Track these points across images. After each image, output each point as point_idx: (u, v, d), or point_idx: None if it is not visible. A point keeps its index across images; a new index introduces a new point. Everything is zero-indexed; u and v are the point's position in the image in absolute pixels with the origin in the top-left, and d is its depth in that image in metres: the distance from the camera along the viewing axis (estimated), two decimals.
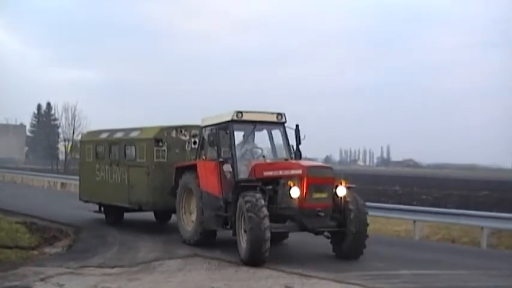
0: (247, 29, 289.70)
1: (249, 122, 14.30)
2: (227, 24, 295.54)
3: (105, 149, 19.07)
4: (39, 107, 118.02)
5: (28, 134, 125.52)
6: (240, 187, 12.92)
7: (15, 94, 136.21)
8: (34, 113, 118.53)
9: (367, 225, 13.07)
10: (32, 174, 49.86)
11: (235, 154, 13.84)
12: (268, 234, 11.89)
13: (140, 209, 17.49)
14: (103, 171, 18.93)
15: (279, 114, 14.45)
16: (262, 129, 14.89)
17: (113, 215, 19.39)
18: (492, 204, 28.58)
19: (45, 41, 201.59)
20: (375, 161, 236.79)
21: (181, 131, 16.82)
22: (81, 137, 20.52)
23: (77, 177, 41.27)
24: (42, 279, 10.61)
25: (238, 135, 14.59)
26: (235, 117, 13.96)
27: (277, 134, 14.92)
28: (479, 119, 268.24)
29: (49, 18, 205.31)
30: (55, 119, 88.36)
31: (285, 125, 14.65)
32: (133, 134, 17.92)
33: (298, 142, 14.32)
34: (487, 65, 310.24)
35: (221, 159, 14.12)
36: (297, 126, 14.31)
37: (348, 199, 12.98)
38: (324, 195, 12.60)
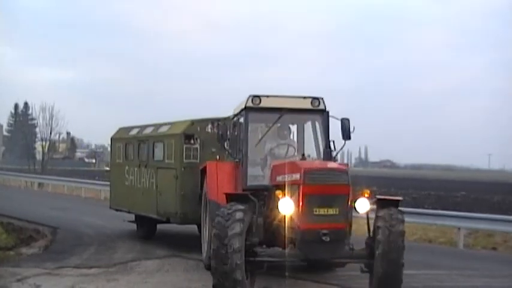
0: (225, 30, 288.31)
1: (271, 110, 10.99)
2: (205, 25, 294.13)
3: (134, 148, 16.24)
4: (16, 106, 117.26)
5: (5, 133, 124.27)
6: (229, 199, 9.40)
7: None
8: (11, 113, 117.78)
9: (402, 265, 9.23)
10: (9, 174, 49.50)
11: (247, 152, 10.81)
12: (238, 275, 8.57)
13: (168, 221, 14.54)
14: (132, 174, 16.20)
15: (315, 99, 10.99)
16: (292, 121, 11.77)
17: (144, 227, 16.32)
18: (469, 205, 28.88)
19: (21, 40, 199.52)
20: (353, 161, 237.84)
21: (219, 125, 11.53)
22: (113, 135, 17.92)
23: (55, 178, 41.70)
24: (18, 280, 10.51)
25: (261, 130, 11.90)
26: (250, 104, 10.83)
27: (310, 128, 11.70)
28: (456, 121, 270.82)
29: (25, 16, 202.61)
30: (32, 119, 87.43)
31: (327, 113, 11.13)
32: (162, 129, 15.09)
33: (347, 137, 10.77)
34: (465, 67, 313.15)
35: (237, 160, 11.12)
36: (347, 119, 10.83)
37: (379, 223, 9.14)
38: (332, 211, 9.01)
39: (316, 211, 8.98)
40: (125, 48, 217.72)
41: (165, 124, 15.16)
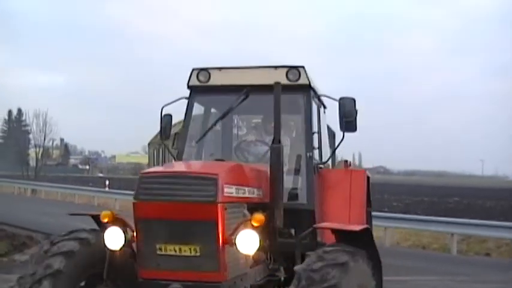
0: (213, 33, 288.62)
1: (229, 89, 7.37)
2: (196, 29, 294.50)
3: None
4: (9, 113, 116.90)
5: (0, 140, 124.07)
6: None
7: None
8: (4, 119, 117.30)
9: None
10: (2, 180, 49.32)
11: (182, 150, 7.63)
12: None
13: None
14: None
15: (292, 68, 7.21)
16: (260, 104, 7.48)
17: None
18: (462, 211, 28.94)
19: (14, 45, 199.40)
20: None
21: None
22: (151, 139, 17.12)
23: (48, 184, 41.58)
24: (11, 287, 10.48)
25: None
26: (195, 81, 7.55)
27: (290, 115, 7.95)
28: (449, 126, 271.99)
29: (18, 21, 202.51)
30: (26, 125, 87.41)
31: (313, 90, 7.48)
32: None
33: (350, 127, 6.90)
34: (457, 72, 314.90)
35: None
36: (350, 100, 6.90)
37: (297, 267, 5.40)
38: (188, 249, 5.23)
39: (160, 249, 5.27)
40: (118, 53, 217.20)
41: None
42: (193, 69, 7.59)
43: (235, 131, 8.52)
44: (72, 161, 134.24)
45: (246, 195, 5.92)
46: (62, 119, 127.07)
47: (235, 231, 5.28)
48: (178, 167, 6.05)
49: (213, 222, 5.18)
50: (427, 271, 13.29)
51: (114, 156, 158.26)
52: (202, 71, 7.51)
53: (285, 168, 6.80)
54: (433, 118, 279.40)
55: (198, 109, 7.86)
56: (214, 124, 7.64)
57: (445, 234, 18.00)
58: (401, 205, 33.74)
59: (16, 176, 56.90)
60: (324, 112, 8.25)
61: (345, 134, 6.91)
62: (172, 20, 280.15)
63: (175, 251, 5.24)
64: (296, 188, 7.12)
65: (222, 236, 5.20)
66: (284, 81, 6.84)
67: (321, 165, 7.51)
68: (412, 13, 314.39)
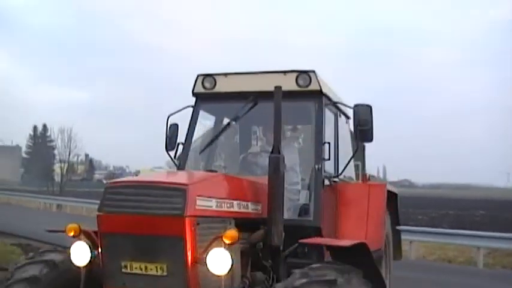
0: (235, 49, 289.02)
1: (235, 96, 6.97)
2: (213, 42, 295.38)
3: None
4: (35, 128, 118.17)
5: (24, 155, 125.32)
6: None
7: (9, 115, 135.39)
8: (30, 135, 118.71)
9: None
10: (28, 195, 49.74)
11: (185, 160, 7.24)
12: None
13: None
14: None
15: (302, 73, 6.75)
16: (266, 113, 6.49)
17: None
18: (487, 224, 28.60)
19: (36, 61, 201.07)
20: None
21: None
22: None
23: (73, 199, 41.80)
24: None
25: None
26: (200, 88, 7.23)
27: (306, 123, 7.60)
28: (474, 139, 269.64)
29: (37, 37, 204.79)
30: (51, 141, 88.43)
31: (326, 97, 6.98)
32: None
33: (365, 137, 6.51)
34: (482, 84, 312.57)
35: None
36: (366, 107, 6.47)
37: None
38: (154, 268, 4.78)
39: (126, 267, 4.83)
40: (142, 67, 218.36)
41: None
42: (198, 75, 7.25)
43: (244, 141, 8.05)
44: (96, 176, 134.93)
45: (234, 209, 5.43)
46: (86, 134, 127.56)
47: (207, 249, 4.69)
48: (148, 177, 5.50)
49: (180, 238, 4.65)
50: (453, 285, 13.14)
51: (138, 171, 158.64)
52: (208, 77, 7.17)
53: (293, 181, 6.70)
54: (458, 130, 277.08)
55: (204, 118, 7.54)
56: (219, 134, 7.27)
57: (471, 248, 17.83)
58: (427, 218, 33.45)
59: (41, 191, 57.50)
60: (347, 122, 7.91)
61: (361, 143, 6.69)
62: (198, 35, 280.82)
63: (141, 270, 4.78)
64: (304, 203, 6.72)
65: (192, 254, 4.67)
66: (294, 87, 6.68)
67: (336, 179, 6.97)
68: (435, 25, 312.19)
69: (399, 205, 8.66)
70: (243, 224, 5.46)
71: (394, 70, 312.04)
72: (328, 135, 6.89)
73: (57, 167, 69.03)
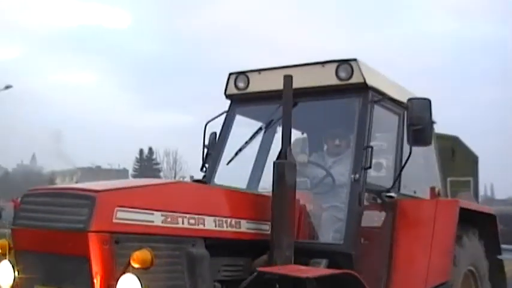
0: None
1: (269, 96, 5.85)
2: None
3: None
4: (141, 152, 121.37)
5: (131, 178, 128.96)
6: None
7: (116, 140, 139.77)
8: (136, 158, 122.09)
9: None
10: None
11: (213, 170, 6.35)
12: None
13: None
14: None
15: (342, 63, 5.63)
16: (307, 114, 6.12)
17: None
18: None
19: (137, 85, 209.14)
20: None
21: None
22: None
23: None
24: None
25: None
26: (233, 89, 6.28)
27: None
28: None
29: (144, 63, 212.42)
30: (157, 164, 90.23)
31: (375, 92, 5.73)
32: None
33: (422, 139, 5.38)
34: None
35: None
36: (424, 101, 5.41)
37: None
38: None
39: None
40: None
41: None
42: (230, 74, 6.32)
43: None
44: None
45: (206, 227, 4.44)
46: (191, 157, 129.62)
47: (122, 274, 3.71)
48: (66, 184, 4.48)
49: (84, 259, 3.70)
50: None
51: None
52: (241, 76, 6.20)
53: (343, 200, 5.58)
54: None
55: (240, 123, 6.52)
56: (249, 142, 6.24)
57: None
58: None
59: None
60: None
61: (413, 148, 5.37)
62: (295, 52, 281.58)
63: None
64: (335, 223, 5.60)
65: (102, 280, 3.69)
66: (334, 81, 5.64)
67: (392, 194, 5.75)
68: None
69: (500, 228, 6.94)
70: (238, 246, 4.73)
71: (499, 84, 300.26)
72: (389, 141, 6.05)
73: None
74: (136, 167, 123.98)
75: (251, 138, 6.19)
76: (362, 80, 5.52)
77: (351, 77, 5.55)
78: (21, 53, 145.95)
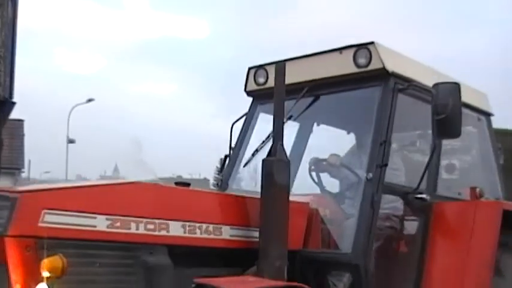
0: None
1: (292, 89, 4.80)
2: None
3: None
4: (221, 161, 63.88)
5: (212, 187, 58.15)
6: None
7: (196, 149, 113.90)
8: (217, 168, 64.26)
9: None
10: None
11: (229, 174, 5.86)
12: None
13: None
14: None
15: (359, 48, 4.93)
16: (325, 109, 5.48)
17: None
18: None
19: (220, 93, 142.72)
20: None
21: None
22: None
23: None
24: None
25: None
26: (253, 84, 5.65)
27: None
28: None
29: (217, 69, 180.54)
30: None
31: (398, 79, 4.96)
32: None
33: (448, 131, 4.57)
34: None
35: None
36: (453, 85, 4.56)
37: None
38: None
39: None
40: None
41: None
42: (249, 69, 5.67)
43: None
44: None
45: (168, 233, 3.88)
46: None
47: None
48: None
49: (2, 266, 3.32)
50: None
51: None
52: (260, 70, 5.54)
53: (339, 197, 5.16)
54: None
55: (263, 121, 5.69)
56: (266, 141, 5.17)
57: None
58: None
59: None
60: (479, 120, 5.92)
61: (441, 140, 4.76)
62: None
63: None
64: (347, 229, 4.83)
65: None
66: (353, 68, 4.94)
67: (423, 195, 4.92)
68: None
69: None
70: (222, 256, 4.17)
71: None
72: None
73: None
74: (217, 176, 55.44)
75: (268, 137, 5.08)
76: (381, 66, 4.81)
77: (369, 63, 4.85)
78: (103, 67, 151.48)
